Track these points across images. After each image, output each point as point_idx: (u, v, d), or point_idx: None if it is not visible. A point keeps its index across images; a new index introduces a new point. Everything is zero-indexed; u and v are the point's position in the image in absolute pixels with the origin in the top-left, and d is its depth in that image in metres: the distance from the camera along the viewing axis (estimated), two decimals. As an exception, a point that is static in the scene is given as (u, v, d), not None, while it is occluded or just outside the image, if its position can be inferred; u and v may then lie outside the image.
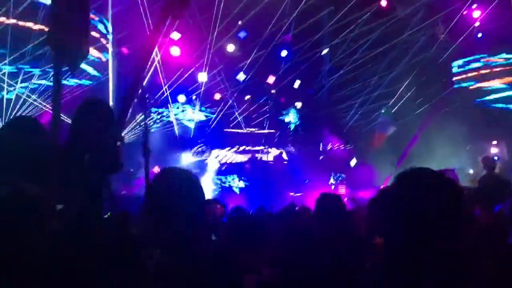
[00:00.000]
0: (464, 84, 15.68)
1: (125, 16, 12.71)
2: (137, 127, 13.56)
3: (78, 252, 1.43)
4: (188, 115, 16.02)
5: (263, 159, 16.24)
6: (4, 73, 11.73)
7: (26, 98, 12.12)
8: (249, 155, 16.32)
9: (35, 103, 12.21)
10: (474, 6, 14.48)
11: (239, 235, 2.78)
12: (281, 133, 17.35)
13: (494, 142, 13.44)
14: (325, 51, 15.88)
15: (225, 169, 15.93)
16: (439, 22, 15.13)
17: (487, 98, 15.14)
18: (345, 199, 7.20)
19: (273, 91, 16.47)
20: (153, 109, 14.53)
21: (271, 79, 15.99)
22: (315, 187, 13.55)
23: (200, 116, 16.06)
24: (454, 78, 15.84)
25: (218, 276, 1.72)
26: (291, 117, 17.52)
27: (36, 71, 12.00)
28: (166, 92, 14.53)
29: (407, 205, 1.43)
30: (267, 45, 14.96)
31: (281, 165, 16.27)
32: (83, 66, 12.57)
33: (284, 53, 15.73)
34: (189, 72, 14.67)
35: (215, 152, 16.39)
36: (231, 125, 16.83)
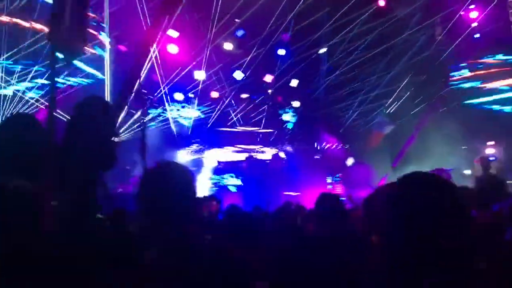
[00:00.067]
0: (461, 85, 15.72)
1: (122, 14, 12.66)
2: (134, 124, 13.53)
3: (72, 250, 1.42)
4: (184, 113, 15.99)
5: (260, 158, 16.26)
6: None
7: (22, 95, 12.06)
8: (246, 154, 16.33)
9: (31, 100, 12.16)
10: (472, 6, 14.50)
11: (234, 233, 2.77)
12: (278, 132, 17.37)
13: (491, 143, 13.48)
14: (322, 50, 15.88)
15: (222, 168, 15.93)
16: (436, 22, 15.16)
17: (483, 100, 15.18)
18: (342, 198, 7.20)
19: (269, 91, 16.48)
20: (151, 110, 14.52)
21: (268, 78, 15.99)
22: (312, 186, 13.57)
23: (196, 114, 16.03)
24: (451, 79, 15.88)
25: (213, 274, 1.71)
26: (288, 116, 17.54)
27: (34, 68, 11.95)
28: (163, 90, 14.50)
29: (411, 205, 1.43)
30: (265, 43, 14.94)
31: (278, 164, 16.28)
32: (80, 64, 12.56)
33: (282, 51, 15.72)
34: (186, 70, 14.64)
35: (212, 150, 16.38)
36: (228, 124, 16.82)
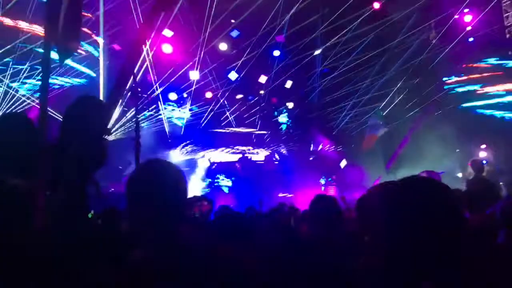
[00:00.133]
0: (455, 89, 15.81)
1: (116, 13, 12.61)
2: (128, 123, 13.48)
3: (62, 248, 1.41)
4: (177, 113, 15.95)
5: (254, 159, 16.25)
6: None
7: (15, 93, 11.98)
8: (239, 155, 16.32)
9: (23, 98, 12.08)
10: (466, 10, 14.58)
11: (225, 233, 2.76)
12: (272, 133, 17.38)
13: (483, 146, 13.56)
14: (317, 52, 15.90)
15: (215, 168, 15.90)
16: (431, 26, 15.23)
17: (476, 104, 15.28)
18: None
19: (261, 91, 16.48)
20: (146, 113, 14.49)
21: (263, 79, 15.98)
22: (305, 188, 13.58)
23: (189, 114, 15.98)
24: (445, 83, 15.97)
25: (203, 274, 1.70)
26: (282, 118, 17.56)
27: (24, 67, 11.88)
28: (157, 90, 14.45)
29: (408, 207, 1.44)
30: (260, 44, 14.93)
31: (272, 165, 16.29)
32: (74, 64, 12.51)
33: (276, 53, 15.72)
34: (182, 70, 14.60)
35: (205, 151, 16.35)
36: (222, 124, 16.80)
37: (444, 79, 15.93)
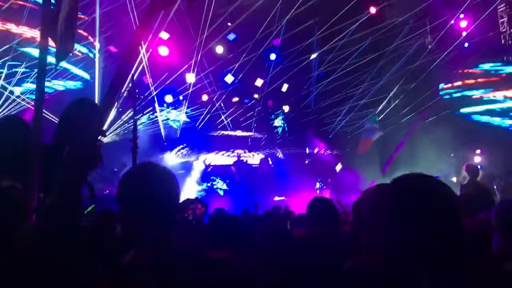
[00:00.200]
0: (451, 94, 15.88)
1: (112, 14, 12.60)
2: (122, 125, 13.45)
3: (54, 250, 1.40)
4: (173, 116, 15.93)
5: (249, 162, 16.24)
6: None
7: (9, 94, 11.92)
8: (235, 158, 16.30)
9: (18, 99, 12.03)
10: (462, 16, 14.65)
11: (218, 236, 2.76)
12: (268, 137, 17.38)
13: (478, 151, 13.62)
14: (313, 56, 15.94)
15: (211, 171, 15.88)
16: (427, 32, 15.29)
17: (471, 110, 15.35)
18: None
19: (256, 95, 16.49)
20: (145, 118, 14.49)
21: (259, 82, 15.99)
22: (300, 191, 13.58)
23: (184, 117, 15.96)
24: (440, 88, 16.04)
25: (195, 277, 1.70)
26: (279, 121, 17.58)
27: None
28: (153, 92, 14.42)
29: (404, 206, 1.44)
30: (257, 48, 14.95)
31: (267, 169, 16.28)
32: (69, 67, 12.47)
33: (273, 56, 15.73)
34: (178, 73, 14.58)
35: (201, 154, 16.33)
36: (218, 127, 16.79)
37: (440, 84, 16.00)
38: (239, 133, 17.00)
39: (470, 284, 1.38)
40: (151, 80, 14.09)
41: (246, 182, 14.26)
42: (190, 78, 14.81)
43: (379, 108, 16.21)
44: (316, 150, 17.61)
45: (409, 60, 15.24)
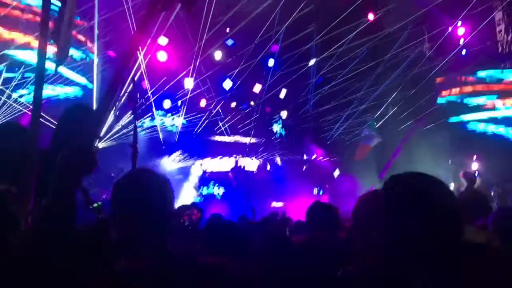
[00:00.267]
0: (448, 102, 15.93)
1: (111, 20, 12.62)
2: (121, 130, 13.43)
3: (47, 255, 1.39)
4: (170, 121, 15.92)
5: (247, 168, 16.23)
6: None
7: (6, 99, 11.90)
8: (233, 164, 16.29)
9: (14, 104, 12.01)
10: (459, 24, 14.72)
11: (214, 242, 2.74)
12: (266, 142, 17.38)
13: (474, 157, 13.64)
14: (312, 62, 15.97)
15: (208, 177, 15.86)
16: (425, 39, 15.36)
17: (468, 118, 15.39)
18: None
19: (252, 102, 16.52)
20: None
21: (257, 88, 16.01)
22: (298, 197, 13.57)
23: (181, 122, 15.95)
24: (438, 95, 16.10)
25: (189, 283, 1.68)
26: (276, 127, 17.60)
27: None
28: (152, 97, 14.42)
29: (404, 205, 1.44)
30: (255, 54, 14.98)
31: (265, 175, 16.27)
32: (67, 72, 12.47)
33: (271, 62, 15.77)
34: (176, 78, 14.58)
35: (199, 159, 16.31)
36: (217, 132, 16.79)
37: (437, 91, 16.06)
38: (237, 138, 17.00)
39: (470, 284, 1.37)
40: (149, 85, 14.09)
41: (244, 188, 14.24)
42: (189, 83, 14.81)
43: (377, 115, 16.23)
44: (314, 156, 17.61)
45: (407, 67, 15.29)
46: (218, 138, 16.79)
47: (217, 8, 13.19)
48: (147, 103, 14.06)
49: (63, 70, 11.95)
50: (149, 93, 14.18)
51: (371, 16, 14.61)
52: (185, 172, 15.62)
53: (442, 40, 14.77)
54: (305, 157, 17.83)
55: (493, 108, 15.11)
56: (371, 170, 14.70)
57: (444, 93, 16.11)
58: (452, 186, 12.02)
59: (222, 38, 14.75)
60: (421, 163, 12.84)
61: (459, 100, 15.73)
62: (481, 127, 15.15)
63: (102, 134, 11.89)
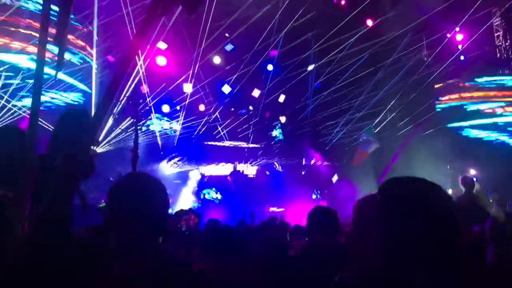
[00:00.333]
0: (446, 108, 15.96)
1: (111, 25, 12.64)
2: (120, 134, 13.42)
3: (41, 259, 1.39)
4: (169, 125, 15.92)
5: (246, 172, 16.21)
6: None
7: (5, 103, 11.90)
8: (231, 168, 16.28)
9: (14, 108, 12.01)
10: (458, 29, 14.78)
11: (213, 246, 2.74)
12: (265, 147, 17.39)
13: (472, 168, 13.65)
14: (310, 67, 16.01)
15: (207, 181, 15.84)
16: (424, 45, 15.41)
17: (466, 124, 15.42)
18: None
19: (250, 107, 16.53)
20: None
21: (256, 93, 16.03)
22: (297, 202, 13.56)
23: (180, 127, 15.94)
24: (437, 101, 16.14)
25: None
26: (275, 132, 17.61)
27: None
28: (150, 102, 14.43)
29: (403, 208, 1.45)
30: (254, 59, 15.00)
31: (263, 179, 16.26)
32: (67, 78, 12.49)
33: (270, 67, 15.80)
34: (176, 83, 14.59)
35: (198, 164, 16.30)
36: (216, 138, 16.79)
37: (436, 97, 16.09)
38: (236, 143, 17.00)
39: (470, 284, 1.38)
40: (148, 90, 14.10)
41: (242, 193, 14.23)
42: (188, 88, 14.83)
43: (376, 121, 16.25)
44: (312, 162, 17.62)
45: (405, 73, 15.33)
46: (217, 143, 16.79)
47: (217, 12, 13.23)
48: (146, 107, 14.07)
49: (63, 76, 11.98)
50: (148, 99, 14.20)
51: (369, 22, 14.66)
52: (183, 177, 15.60)
53: (440, 46, 14.82)
54: (304, 162, 17.84)
55: (493, 115, 15.13)
56: (370, 176, 14.68)
57: (442, 99, 16.14)
58: (450, 192, 12.04)
59: (221, 43, 14.78)
60: (420, 169, 12.83)
61: (458, 106, 15.76)
62: (479, 133, 15.17)
63: (100, 138, 11.91)
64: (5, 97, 11.74)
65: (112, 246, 1.64)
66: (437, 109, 16.13)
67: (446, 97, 16.07)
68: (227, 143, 16.87)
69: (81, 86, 13.02)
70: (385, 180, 1.62)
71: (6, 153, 2.32)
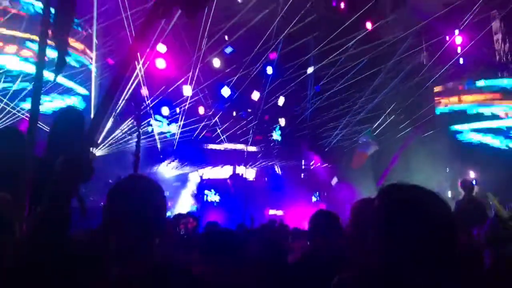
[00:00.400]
0: (446, 111, 15.99)
1: (111, 28, 12.66)
2: (120, 137, 13.42)
3: (39, 261, 1.39)
4: (168, 128, 15.92)
5: (245, 175, 16.22)
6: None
7: (5, 106, 11.91)
8: (231, 171, 16.29)
9: (13, 110, 12.01)
10: (457, 32, 14.81)
11: (212, 249, 2.74)
12: (264, 150, 17.40)
13: (471, 169, 13.66)
14: (310, 70, 16.03)
15: (206, 184, 15.84)
16: (423, 48, 15.44)
17: (466, 127, 15.43)
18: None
19: (249, 110, 16.55)
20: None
21: (255, 95, 16.04)
22: (296, 205, 13.56)
23: (179, 130, 15.94)
24: (436, 103, 16.16)
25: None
26: (275, 135, 17.63)
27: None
28: (150, 104, 14.43)
29: (402, 212, 1.46)
30: (254, 62, 15.02)
31: (263, 182, 16.27)
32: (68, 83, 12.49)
33: (269, 70, 15.81)
34: (175, 85, 14.60)
35: (197, 166, 16.30)
36: (216, 141, 16.79)
37: (435, 100, 16.12)
38: (235, 146, 17.00)
39: (469, 284, 1.38)
40: (148, 92, 14.11)
41: (242, 196, 14.23)
42: (187, 90, 14.84)
43: (376, 125, 16.27)
44: (312, 164, 17.62)
45: (405, 76, 15.35)
46: (216, 146, 16.79)
47: (216, 15, 13.25)
48: (145, 110, 14.06)
49: (62, 80, 11.98)
50: (148, 101, 14.20)
51: (369, 25, 14.68)
52: (183, 179, 15.60)
53: (440, 49, 14.84)
54: (303, 165, 17.84)
55: (492, 118, 15.15)
56: (369, 178, 14.70)
57: (442, 101, 16.16)
58: (449, 195, 12.04)
59: (220, 46, 14.80)
60: (419, 171, 12.84)
61: (457, 108, 15.78)
62: (479, 136, 15.18)
63: (99, 141, 11.91)
64: (5, 100, 11.74)
65: (111, 248, 1.64)
66: (436, 112, 16.14)
67: (446, 100, 16.09)
68: (226, 146, 16.88)
69: (83, 90, 13.03)
70: (385, 185, 1.64)
71: (5, 154, 2.31)
